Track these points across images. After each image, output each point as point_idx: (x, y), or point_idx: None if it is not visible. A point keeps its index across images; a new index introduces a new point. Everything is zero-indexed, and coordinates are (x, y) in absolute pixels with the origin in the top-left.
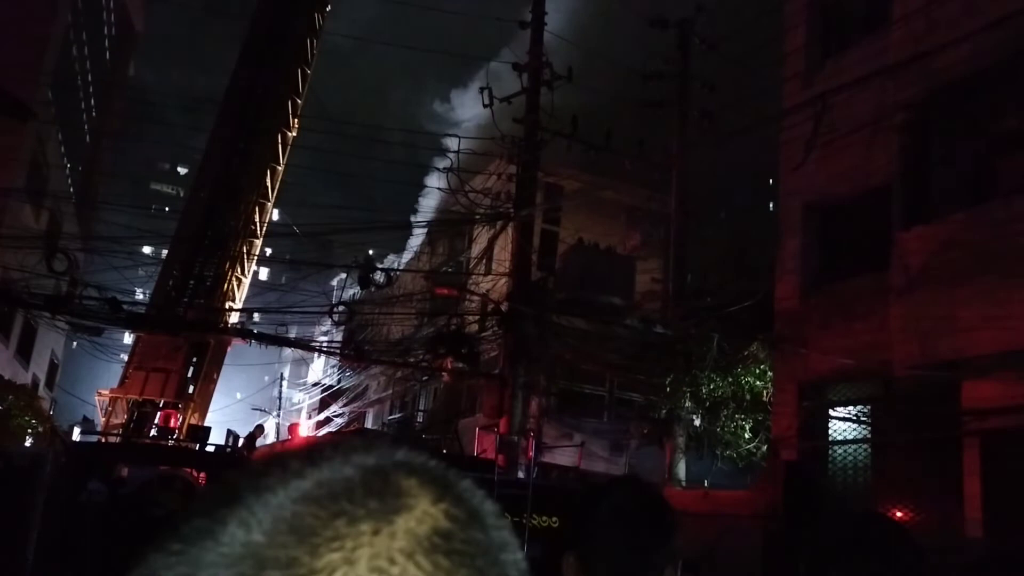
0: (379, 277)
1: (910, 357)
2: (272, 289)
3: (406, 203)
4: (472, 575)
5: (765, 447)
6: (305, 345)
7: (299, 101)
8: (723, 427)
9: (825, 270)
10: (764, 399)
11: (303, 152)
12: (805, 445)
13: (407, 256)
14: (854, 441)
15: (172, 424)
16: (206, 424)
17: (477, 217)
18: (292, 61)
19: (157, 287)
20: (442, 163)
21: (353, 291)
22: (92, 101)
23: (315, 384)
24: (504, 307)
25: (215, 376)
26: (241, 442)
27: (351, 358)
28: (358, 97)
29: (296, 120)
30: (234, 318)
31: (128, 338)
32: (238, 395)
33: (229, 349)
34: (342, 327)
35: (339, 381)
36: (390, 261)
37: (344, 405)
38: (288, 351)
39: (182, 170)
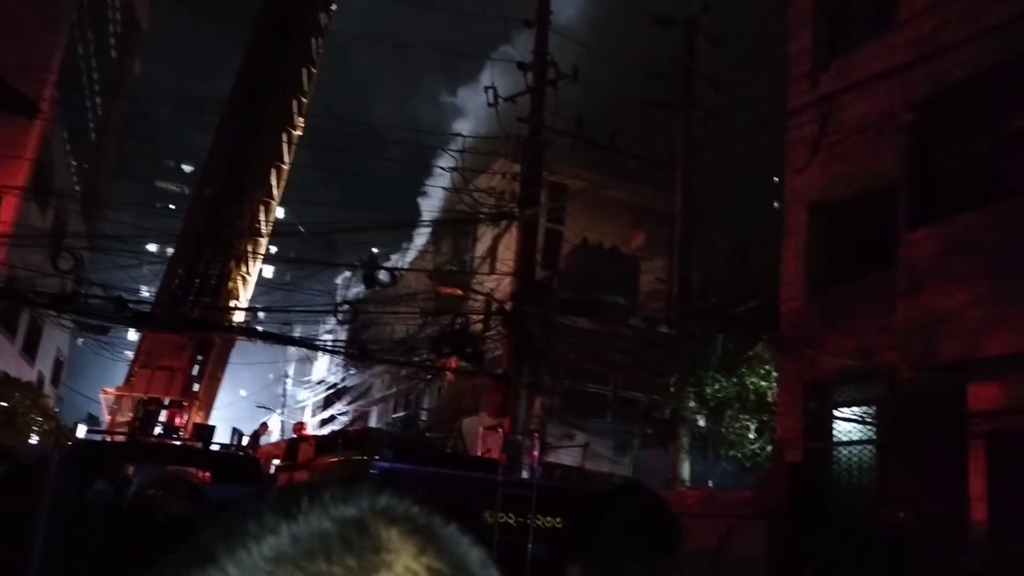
0: (383, 276)
1: (915, 358)
2: (277, 288)
3: (411, 202)
4: None
5: (770, 448)
6: (309, 344)
7: (304, 100)
8: (727, 427)
9: (830, 271)
10: (769, 400)
11: (310, 151)
12: (810, 446)
13: (411, 255)
14: (859, 442)
15: (177, 423)
16: (211, 422)
17: (481, 216)
18: (297, 61)
19: (162, 286)
20: (446, 162)
21: (358, 290)
22: (98, 99)
23: (319, 382)
24: (508, 306)
25: (220, 375)
26: (246, 440)
27: (355, 357)
28: (362, 95)
29: (302, 119)
30: (239, 317)
31: (134, 336)
32: (243, 393)
33: (233, 348)
34: (347, 326)
35: (343, 379)
36: (395, 260)
37: (348, 403)
38: (293, 349)
39: (187, 168)
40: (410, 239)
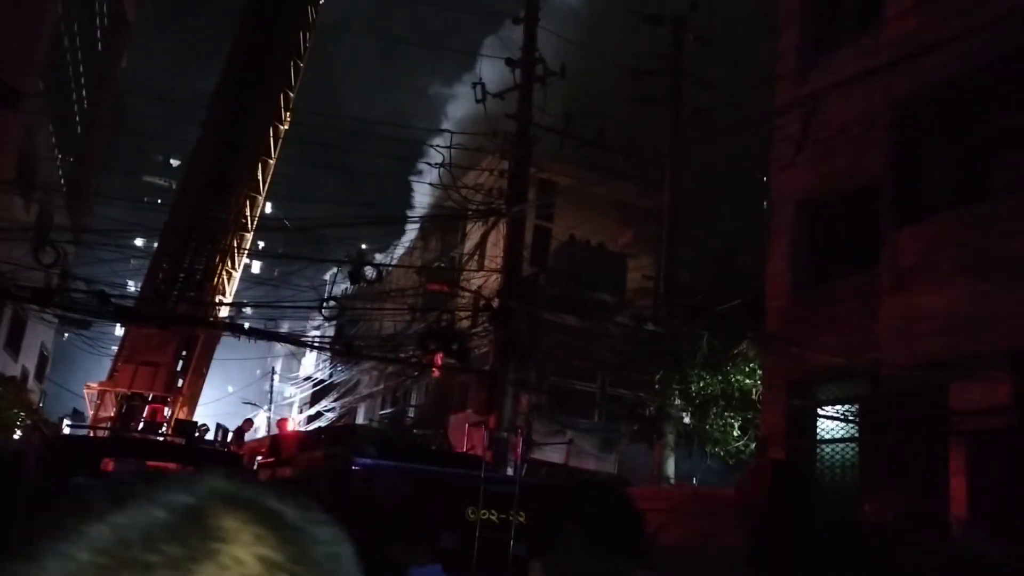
0: (370, 272)
1: (898, 357)
2: (262, 283)
3: (400, 198)
4: None
5: (754, 445)
6: (294, 339)
7: (291, 94)
8: (712, 425)
9: (815, 269)
10: (753, 397)
11: (297, 145)
12: (793, 443)
13: (400, 251)
14: (842, 440)
15: (159, 418)
16: (197, 418)
17: (469, 213)
18: (284, 55)
19: (146, 280)
20: (434, 159)
21: (345, 286)
22: (84, 92)
23: (307, 378)
24: (495, 303)
25: (204, 370)
26: (230, 436)
27: (341, 353)
28: (350, 90)
29: (288, 113)
30: (224, 312)
31: (120, 331)
32: (230, 389)
33: (219, 343)
34: (333, 322)
35: (331, 376)
36: (384, 256)
37: (335, 400)
38: (280, 345)
39: (175, 162)
40: (400, 236)
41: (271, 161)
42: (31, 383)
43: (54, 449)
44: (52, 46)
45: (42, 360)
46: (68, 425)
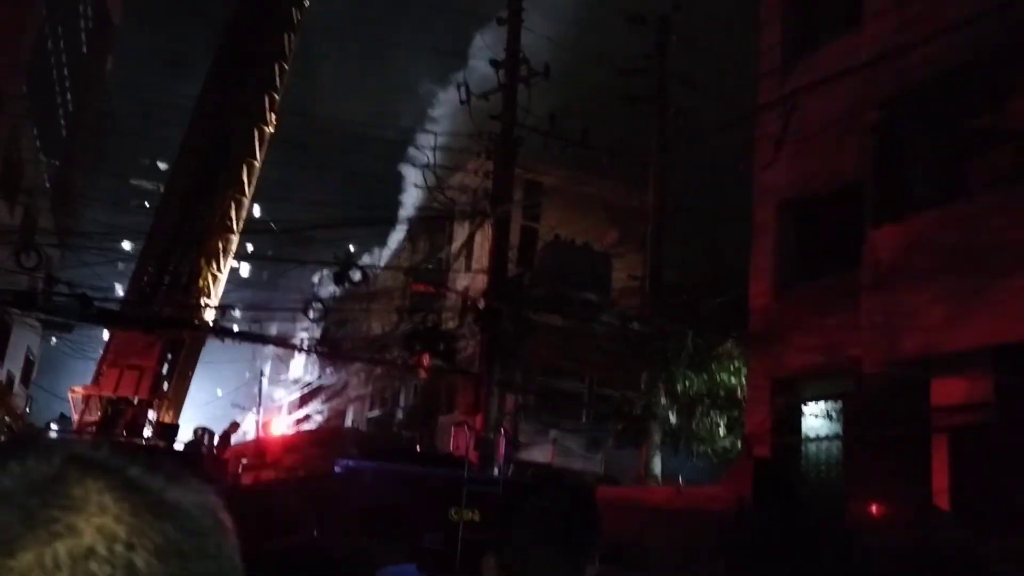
0: (356, 274)
1: (879, 354)
2: (249, 286)
3: (388, 200)
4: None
5: (740, 443)
6: (280, 341)
7: (277, 96)
8: (698, 424)
9: (799, 267)
10: (739, 396)
11: (283, 147)
12: (778, 441)
13: (387, 253)
14: (826, 437)
15: (141, 422)
16: (184, 421)
17: (454, 213)
18: (269, 56)
19: (132, 283)
20: (420, 160)
21: (333, 288)
22: (69, 95)
23: (295, 381)
24: (481, 304)
25: (190, 373)
26: (216, 440)
27: (326, 355)
28: (335, 91)
29: (274, 115)
30: (210, 315)
31: (107, 335)
32: (219, 392)
33: (205, 346)
34: (321, 324)
35: (319, 378)
36: (373, 257)
37: (324, 402)
38: (268, 348)
39: (163, 165)
40: (387, 237)
41: (257, 163)
42: (16, 388)
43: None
44: (36, 47)
45: (28, 365)
46: (54, 430)
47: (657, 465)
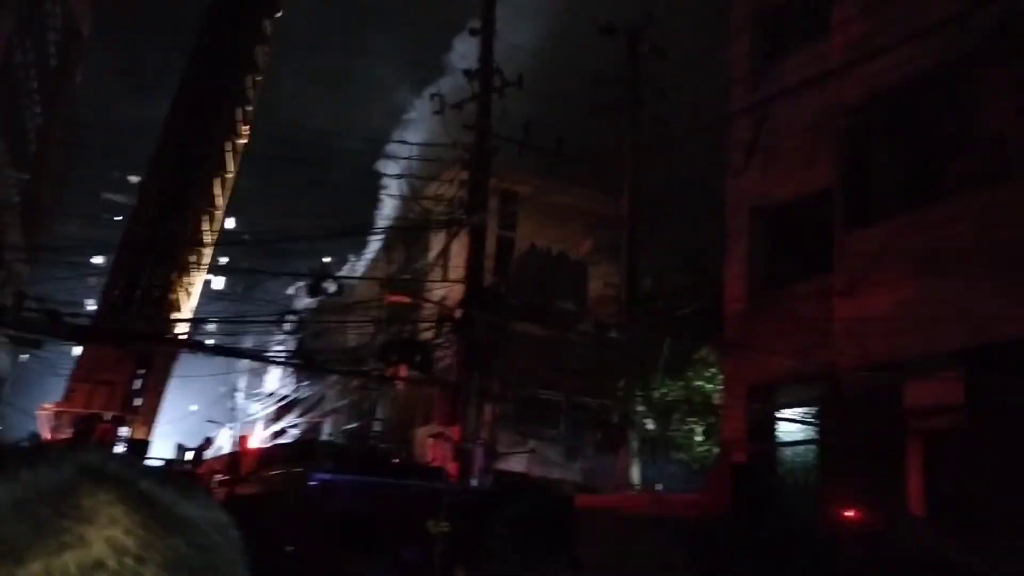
0: (331, 286)
1: (852, 358)
2: (221, 298)
3: (363, 210)
4: None
5: (717, 450)
6: (253, 355)
7: (249, 108)
8: (676, 431)
9: (772, 273)
10: (715, 402)
11: (257, 159)
12: (754, 447)
13: (363, 264)
14: (802, 442)
15: (110, 438)
16: (159, 437)
17: (429, 224)
18: (241, 69)
19: (103, 297)
20: (394, 170)
21: (309, 300)
22: (38, 108)
23: (270, 395)
24: (457, 314)
25: (162, 388)
26: (190, 456)
27: (301, 368)
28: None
29: (247, 127)
30: (182, 328)
31: (79, 350)
32: (193, 407)
33: (179, 361)
34: (294, 336)
35: (295, 391)
36: (347, 269)
37: (300, 415)
38: (243, 361)
39: (135, 179)
40: (364, 248)
41: (229, 176)
42: None
43: None
44: (4, 59)
45: None
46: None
47: (635, 473)
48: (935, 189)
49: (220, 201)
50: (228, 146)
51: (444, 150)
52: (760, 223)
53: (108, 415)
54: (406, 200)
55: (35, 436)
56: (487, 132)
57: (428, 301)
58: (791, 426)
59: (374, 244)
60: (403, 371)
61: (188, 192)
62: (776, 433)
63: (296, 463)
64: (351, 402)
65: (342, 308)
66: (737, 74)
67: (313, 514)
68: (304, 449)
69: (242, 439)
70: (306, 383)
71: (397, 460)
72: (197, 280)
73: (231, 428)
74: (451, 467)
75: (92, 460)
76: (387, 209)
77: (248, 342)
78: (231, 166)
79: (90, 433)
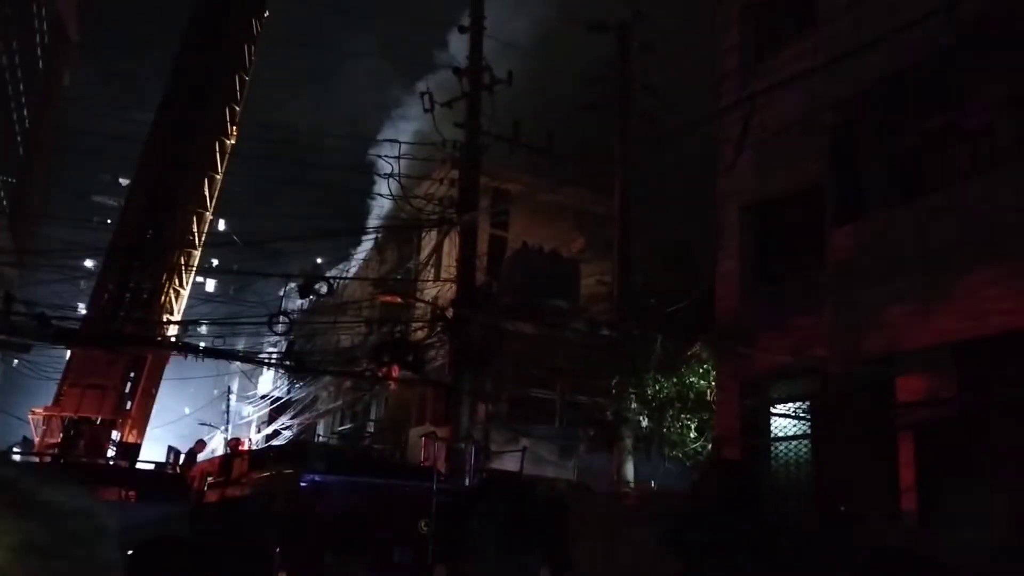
0: (322, 287)
1: (844, 353)
2: (213, 300)
3: (355, 210)
4: None
5: (711, 446)
6: (244, 357)
7: (237, 108)
8: (669, 427)
9: (763, 269)
10: (708, 398)
11: (247, 159)
12: (747, 443)
13: (355, 264)
14: (795, 437)
15: (103, 442)
16: (151, 441)
17: (419, 223)
18: (229, 68)
19: (92, 300)
20: (384, 169)
21: (302, 301)
22: (25, 111)
23: (263, 396)
24: (448, 313)
25: (154, 391)
26: (182, 459)
27: (292, 369)
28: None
29: (235, 128)
30: (172, 331)
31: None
32: (186, 410)
33: (171, 364)
34: (289, 337)
35: (288, 393)
36: (339, 270)
37: (293, 417)
38: (236, 364)
39: (124, 181)
40: (355, 248)
41: (218, 176)
42: None
43: None
44: None
45: None
46: (16, 453)
47: (629, 470)
48: (924, 182)
49: (209, 202)
50: (217, 146)
51: (435, 148)
52: (750, 219)
53: (98, 418)
54: (397, 199)
55: (28, 441)
56: (477, 130)
57: (420, 301)
58: (784, 421)
59: (366, 243)
60: (396, 371)
61: (177, 192)
62: (770, 428)
63: (287, 464)
64: (344, 403)
65: (334, 309)
66: (727, 69)
67: (304, 515)
68: (294, 450)
69: (234, 442)
70: (299, 385)
71: (391, 460)
72: (187, 282)
73: (224, 431)
74: (444, 467)
75: None
76: (380, 208)
77: (240, 344)
78: (220, 166)
79: (80, 437)
